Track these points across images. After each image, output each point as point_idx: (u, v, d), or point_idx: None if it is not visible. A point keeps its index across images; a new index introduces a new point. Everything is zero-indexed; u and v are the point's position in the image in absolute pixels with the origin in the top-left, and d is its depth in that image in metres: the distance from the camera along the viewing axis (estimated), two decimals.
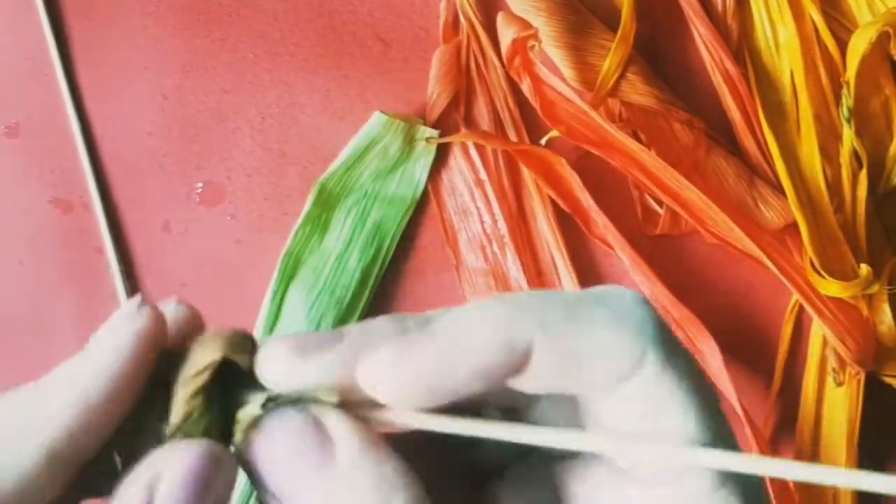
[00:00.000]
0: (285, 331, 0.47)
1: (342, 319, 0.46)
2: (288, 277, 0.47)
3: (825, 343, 0.46)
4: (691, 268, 0.48)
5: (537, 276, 0.47)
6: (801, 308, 0.46)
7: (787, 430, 0.47)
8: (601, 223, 0.46)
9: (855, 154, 0.45)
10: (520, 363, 0.19)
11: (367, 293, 0.47)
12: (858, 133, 0.45)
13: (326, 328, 0.46)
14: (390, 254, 0.47)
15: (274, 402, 0.19)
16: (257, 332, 0.47)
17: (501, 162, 0.48)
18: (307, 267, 0.47)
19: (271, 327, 0.47)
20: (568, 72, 0.46)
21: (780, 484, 0.44)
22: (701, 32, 0.46)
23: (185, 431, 0.19)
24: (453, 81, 0.48)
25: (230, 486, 0.19)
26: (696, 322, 0.45)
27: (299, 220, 0.47)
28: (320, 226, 0.47)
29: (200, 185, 0.48)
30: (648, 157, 0.44)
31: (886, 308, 0.45)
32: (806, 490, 0.46)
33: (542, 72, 0.44)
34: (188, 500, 0.18)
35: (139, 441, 0.20)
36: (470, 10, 0.47)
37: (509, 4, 0.47)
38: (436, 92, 0.48)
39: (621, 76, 0.46)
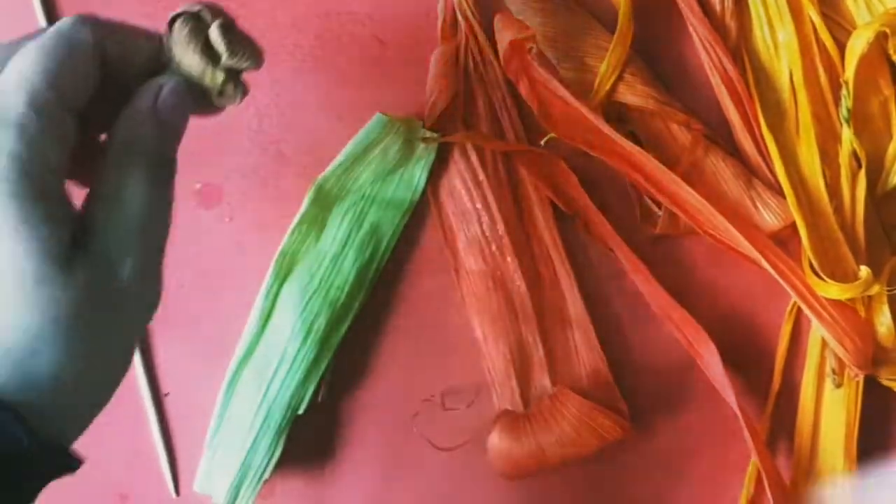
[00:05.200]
0: (277, 330, 0.47)
1: (335, 321, 0.46)
2: (282, 276, 0.47)
3: (824, 345, 0.46)
4: (689, 269, 0.47)
5: (536, 277, 0.47)
6: (801, 310, 0.46)
7: (786, 431, 0.47)
8: (599, 224, 0.46)
9: (854, 154, 0.45)
10: None
11: (361, 295, 0.47)
12: (857, 133, 0.45)
13: (319, 330, 0.46)
14: (387, 256, 0.47)
15: None
16: (250, 331, 0.47)
17: (500, 163, 0.48)
18: (302, 266, 0.47)
19: (263, 325, 0.47)
20: (566, 72, 0.46)
21: (776, 483, 0.44)
22: (699, 33, 0.46)
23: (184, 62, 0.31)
24: (452, 82, 0.47)
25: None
26: (695, 324, 0.45)
27: (296, 219, 0.47)
28: (317, 226, 0.47)
29: (198, 185, 0.48)
30: (646, 159, 0.44)
31: (886, 309, 0.45)
32: (805, 490, 0.45)
33: (540, 74, 0.44)
34: (180, 98, 0.30)
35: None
36: (468, 11, 0.47)
37: (507, 5, 0.47)
38: (434, 92, 0.47)
39: (619, 77, 0.46)
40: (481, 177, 0.48)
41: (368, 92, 0.48)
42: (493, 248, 0.48)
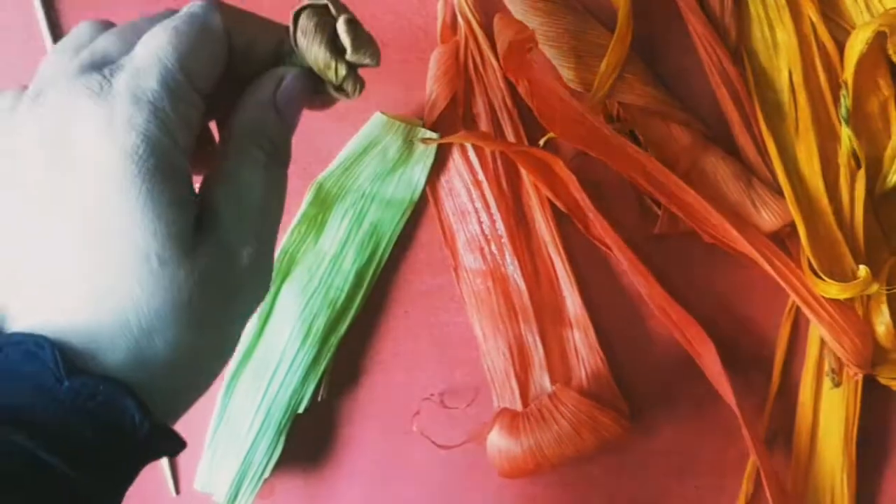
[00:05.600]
0: (276, 330, 0.47)
1: (335, 320, 0.46)
2: (282, 276, 0.47)
3: (823, 344, 0.46)
4: (689, 269, 0.47)
5: (535, 277, 0.47)
6: (799, 309, 0.46)
7: (785, 431, 0.47)
8: (599, 224, 0.46)
9: (853, 154, 0.45)
10: None
11: (360, 295, 0.47)
12: (856, 133, 0.45)
13: (319, 330, 0.46)
14: (386, 256, 0.47)
15: None
16: (249, 331, 0.47)
17: (500, 163, 0.48)
18: (302, 266, 0.47)
19: (263, 325, 0.47)
20: (565, 72, 0.46)
21: (775, 482, 0.44)
22: (698, 32, 0.46)
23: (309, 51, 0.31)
24: (451, 82, 0.47)
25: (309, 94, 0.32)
26: (694, 324, 0.45)
27: (295, 219, 0.47)
28: (316, 225, 0.47)
29: (198, 184, 0.48)
30: (646, 159, 0.44)
31: (884, 309, 0.45)
32: (804, 492, 0.46)
33: (540, 74, 0.44)
34: (301, 89, 0.32)
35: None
36: (468, 11, 0.47)
37: (507, 5, 0.47)
38: (434, 92, 0.47)
39: (619, 77, 0.46)
40: (481, 176, 0.48)
41: (368, 91, 0.48)
42: (493, 247, 0.48)
